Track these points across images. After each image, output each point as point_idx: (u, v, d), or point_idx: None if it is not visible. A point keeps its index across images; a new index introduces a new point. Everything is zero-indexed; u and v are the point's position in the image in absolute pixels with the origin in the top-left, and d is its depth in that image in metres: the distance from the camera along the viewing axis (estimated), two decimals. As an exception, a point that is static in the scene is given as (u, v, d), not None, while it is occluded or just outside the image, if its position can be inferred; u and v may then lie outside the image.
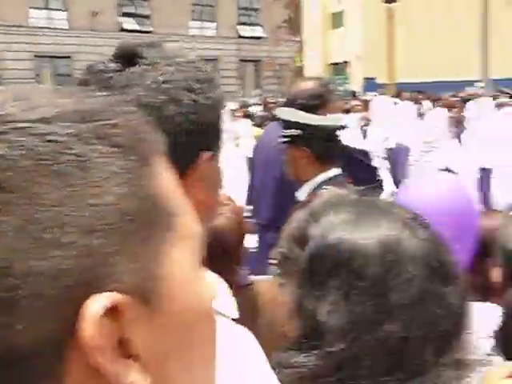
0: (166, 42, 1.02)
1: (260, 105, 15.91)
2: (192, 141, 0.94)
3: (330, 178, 3.02)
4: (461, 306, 0.94)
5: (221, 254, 1.81)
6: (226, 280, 1.19)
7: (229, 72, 36.25)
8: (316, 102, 4.02)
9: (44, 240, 0.42)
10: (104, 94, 0.51)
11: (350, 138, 6.47)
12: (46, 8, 29.43)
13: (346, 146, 4.15)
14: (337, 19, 31.92)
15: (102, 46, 25.44)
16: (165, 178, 0.49)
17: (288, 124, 3.16)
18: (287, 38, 38.47)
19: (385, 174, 4.91)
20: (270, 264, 1.02)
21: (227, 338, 0.96)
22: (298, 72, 36.37)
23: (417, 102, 12.76)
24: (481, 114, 7.76)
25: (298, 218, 1.00)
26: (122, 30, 30.71)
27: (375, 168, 4.56)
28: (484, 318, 1.36)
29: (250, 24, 39.58)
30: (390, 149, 5.81)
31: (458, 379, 0.92)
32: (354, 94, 19.23)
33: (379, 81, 25.92)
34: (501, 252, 1.33)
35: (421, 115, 7.51)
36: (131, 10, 32.04)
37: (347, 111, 10.74)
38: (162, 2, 32.41)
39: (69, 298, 0.43)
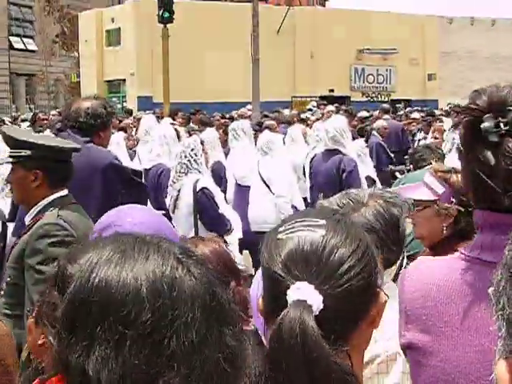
0: None
1: (27, 121, 15.49)
2: None
3: (54, 200, 2.93)
4: (239, 348, 0.90)
5: None
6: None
7: (0, 85, 34.66)
8: (97, 122, 3.91)
9: None
10: None
11: (122, 156, 6.71)
12: None
13: (123, 167, 4.17)
14: (113, 36, 31.91)
15: None
16: None
17: (17, 143, 2.87)
18: (62, 52, 37.67)
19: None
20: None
21: None
22: (73, 88, 35.79)
23: (188, 122, 13.41)
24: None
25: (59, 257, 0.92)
26: None
27: (146, 186, 4.83)
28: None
29: (24, 36, 38.18)
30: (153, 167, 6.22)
31: None
32: (130, 113, 19.47)
33: (156, 100, 26.45)
34: (265, 275, 1.21)
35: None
36: None
37: (124, 130, 10.94)
38: None
39: None
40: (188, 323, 0.83)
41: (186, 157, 5.29)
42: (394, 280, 1.94)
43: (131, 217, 1.97)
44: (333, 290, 1.12)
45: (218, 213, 5.24)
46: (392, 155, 10.13)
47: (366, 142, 9.86)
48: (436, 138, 6.44)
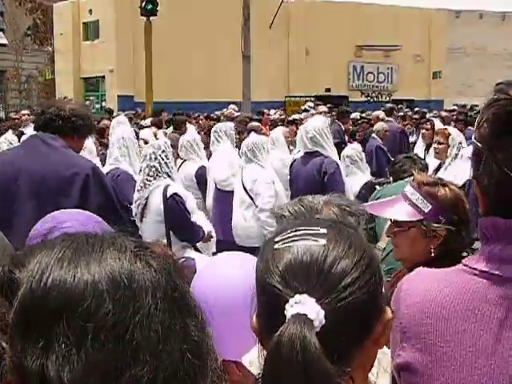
0: None
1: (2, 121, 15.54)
2: None
3: None
4: (203, 339, 0.94)
5: None
6: None
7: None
8: (76, 126, 3.88)
9: None
10: None
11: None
12: None
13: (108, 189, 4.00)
14: (91, 29, 31.92)
15: None
16: None
17: None
18: (35, 47, 37.64)
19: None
20: None
21: None
22: (47, 86, 35.81)
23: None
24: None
25: None
26: None
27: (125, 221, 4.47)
28: None
29: (-7, 29, 38.08)
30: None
31: None
32: (111, 112, 19.40)
33: (138, 99, 26.56)
34: (260, 289, 1.21)
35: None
36: None
37: (102, 131, 10.91)
38: None
39: None
40: (151, 314, 0.87)
41: (156, 159, 5.26)
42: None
43: (71, 220, 2.02)
44: (335, 303, 1.12)
45: (189, 221, 5.21)
46: (393, 160, 10.20)
47: (364, 145, 9.96)
48: (440, 144, 6.43)
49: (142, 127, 12.26)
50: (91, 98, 32.19)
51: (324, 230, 1.19)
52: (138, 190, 5.36)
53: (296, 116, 14.76)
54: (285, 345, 1.06)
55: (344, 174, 6.74)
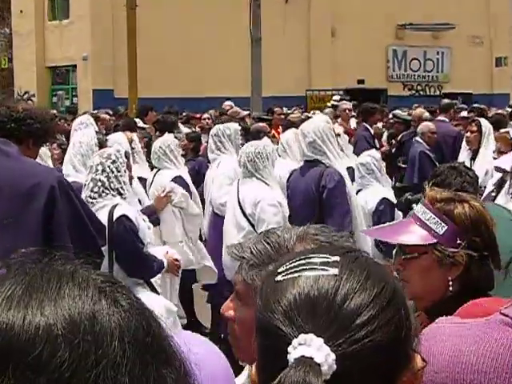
0: None
1: None
2: None
3: None
4: None
5: None
6: None
7: None
8: (33, 129, 3.98)
9: None
10: None
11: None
12: None
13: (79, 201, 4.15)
14: (59, 7, 32.06)
15: None
16: None
17: None
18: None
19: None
20: None
21: None
22: (3, 77, 36.00)
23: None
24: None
25: None
26: None
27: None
28: None
29: None
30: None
31: None
32: (74, 113, 18.75)
33: (118, 95, 26.67)
34: (259, 330, 1.25)
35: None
36: None
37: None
38: None
39: None
40: (117, 363, 0.88)
41: (103, 171, 5.17)
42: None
43: None
44: (348, 345, 1.13)
45: (139, 251, 5.14)
46: (434, 170, 10.14)
47: (400, 151, 9.89)
48: (502, 153, 6.39)
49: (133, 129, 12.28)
50: (59, 92, 32.40)
51: (336, 258, 1.22)
52: None
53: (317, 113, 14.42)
54: None
55: (353, 186, 6.58)
